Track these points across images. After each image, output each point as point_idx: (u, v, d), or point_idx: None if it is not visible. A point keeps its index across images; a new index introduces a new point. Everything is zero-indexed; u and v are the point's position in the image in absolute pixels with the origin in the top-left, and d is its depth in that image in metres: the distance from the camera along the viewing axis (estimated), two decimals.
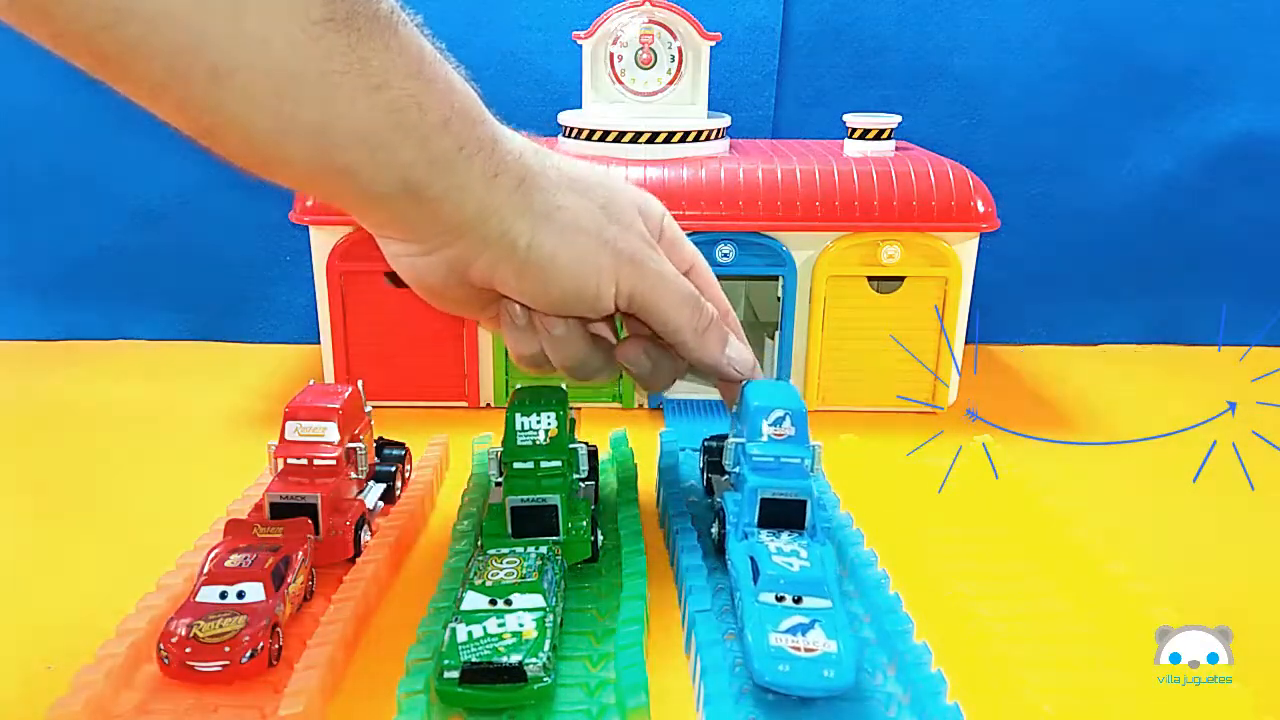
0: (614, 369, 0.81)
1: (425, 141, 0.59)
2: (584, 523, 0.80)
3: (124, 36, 0.47)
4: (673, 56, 1.20)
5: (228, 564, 0.72)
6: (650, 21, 1.19)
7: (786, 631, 0.66)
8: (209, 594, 0.70)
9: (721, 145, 1.24)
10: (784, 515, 0.78)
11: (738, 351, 0.81)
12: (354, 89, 0.55)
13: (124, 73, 0.50)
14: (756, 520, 0.78)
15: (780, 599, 0.69)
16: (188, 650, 0.65)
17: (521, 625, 0.67)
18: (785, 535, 0.76)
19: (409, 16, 0.59)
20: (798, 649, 0.64)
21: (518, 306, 0.73)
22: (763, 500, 0.78)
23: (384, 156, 0.58)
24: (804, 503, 0.78)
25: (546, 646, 0.65)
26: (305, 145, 0.55)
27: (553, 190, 0.67)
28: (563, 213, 0.67)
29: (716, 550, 0.83)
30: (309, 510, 0.80)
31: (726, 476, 0.86)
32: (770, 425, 0.81)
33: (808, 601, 0.69)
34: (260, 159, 0.56)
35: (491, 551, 0.75)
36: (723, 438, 0.93)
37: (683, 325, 0.75)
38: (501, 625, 0.67)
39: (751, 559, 0.72)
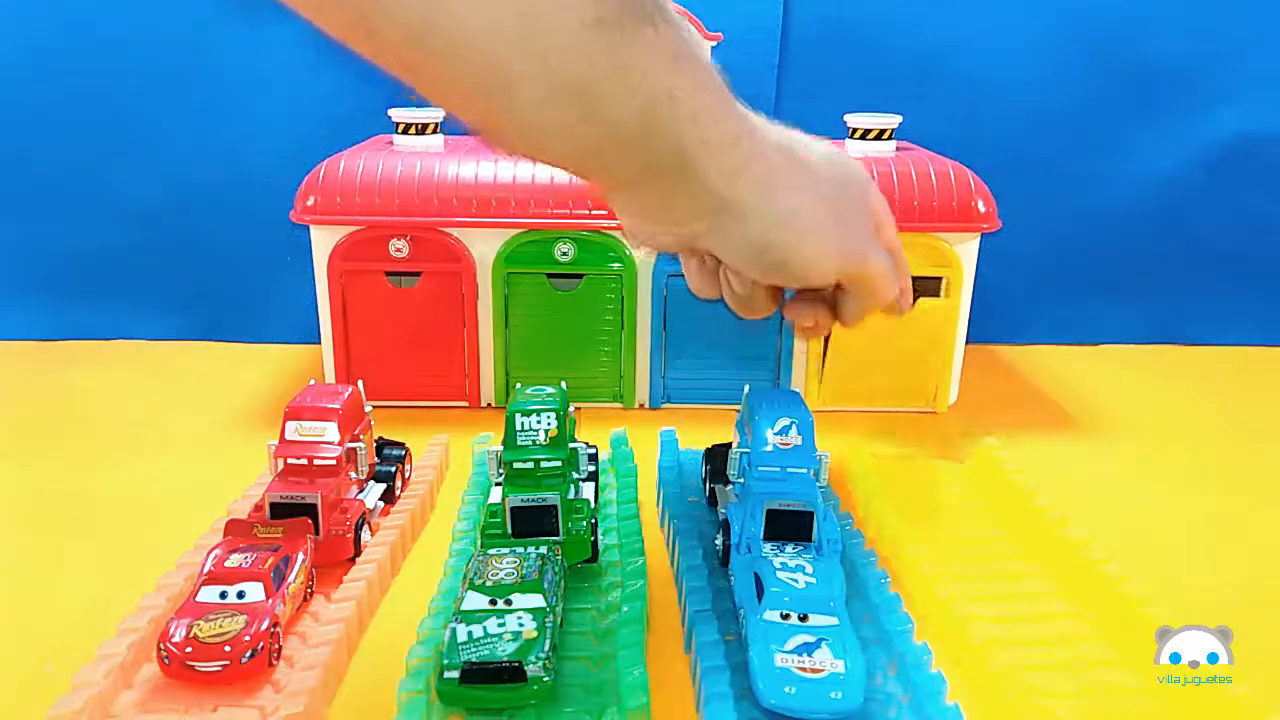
0: (774, 307, 0.80)
1: (670, 135, 0.60)
2: (584, 523, 0.80)
3: (429, 51, 0.51)
4: None
5: (228, 564, 0.72)
6: None
7: (792, 651, 0.64)
8: (209, 594, 0.70)
9: None
10: (790, 527, 0.77)
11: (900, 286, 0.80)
12: (615, 89, 0.56)
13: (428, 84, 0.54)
14: (762, 532, 0.77)
15: (785, 616, 0.67)
16: (188, 650, 0.65)
17: (521, 625, 0.67)
18: (790, 549, 0.75)
19: (667, 6, 0.59)
20: (804, 669, 0.63)
21: (722, 269, 0.74)
22: (768, 511, 0.77)
23: (630, 149, 0.60)
24: (810, 514, 0.77)
25: (546, 646, 0.65)
26: (564, 143, 0.59)
27: (791, 192, 0.67)
28: (798, 219, 0.67)
29: (721, 562, 0.82)
30: (309, 510, 0.80)
31: (730, 486, 0.85)
32: (776, 434, 0.80)
33: (814, 619, 0.67)
34: (528, 149, 0.60)
35: (491, 551, 0.75)
36: (726, 446, 0.93)
37: (879, 301, 0.75)
38: (501, 625, 0.67)
39: (756, 576, 0.71)
